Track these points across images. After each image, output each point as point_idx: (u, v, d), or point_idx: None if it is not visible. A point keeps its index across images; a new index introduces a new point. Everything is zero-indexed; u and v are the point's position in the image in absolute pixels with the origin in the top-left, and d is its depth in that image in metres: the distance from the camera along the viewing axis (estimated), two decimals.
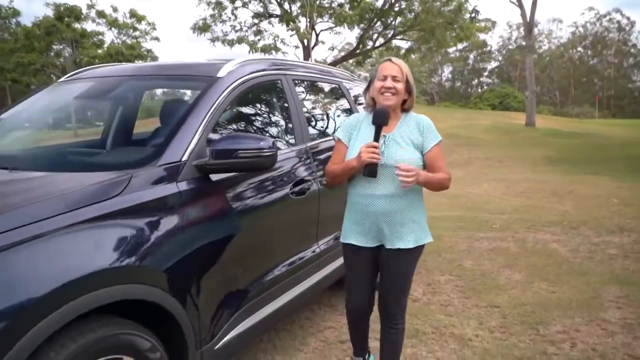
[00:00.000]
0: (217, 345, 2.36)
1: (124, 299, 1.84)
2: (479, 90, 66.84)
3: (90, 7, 26.44)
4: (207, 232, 2.26)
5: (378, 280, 2.62)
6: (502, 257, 5.10)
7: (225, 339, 2.40)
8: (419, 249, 2.46)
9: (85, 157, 2.79)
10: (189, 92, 2.93)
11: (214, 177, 2.35)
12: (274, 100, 3.19)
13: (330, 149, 3.36)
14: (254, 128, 3.04)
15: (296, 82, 3.35)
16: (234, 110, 2.84)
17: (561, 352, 3.15)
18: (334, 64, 23.97)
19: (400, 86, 2.39)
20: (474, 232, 6.14)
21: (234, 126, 2.84)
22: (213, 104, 2.49)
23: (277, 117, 3.20)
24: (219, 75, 2.67)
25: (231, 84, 2.64)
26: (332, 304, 3.91)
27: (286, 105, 3.15)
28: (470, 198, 8.48)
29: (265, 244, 2.73)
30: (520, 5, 26.46)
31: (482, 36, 33.45)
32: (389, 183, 2.35)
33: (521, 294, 4.10)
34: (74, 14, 24.35)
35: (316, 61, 22.02)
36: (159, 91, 3.76)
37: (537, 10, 25.75)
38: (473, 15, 21.68)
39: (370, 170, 2.30)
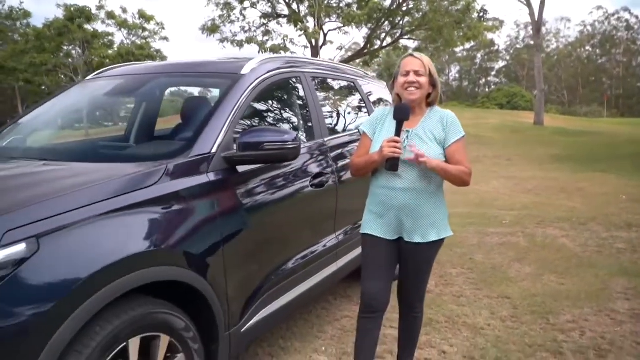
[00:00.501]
0: (244, 329, 2.49)
1: (162, 280, 1.98)
2: (487, 89, 66.73)
3: (99, 8, 26.70)
4: (234, 220, 2.39)
5: (397, 272, 2.67)
6: (512, 252, 5.20)
7: (251, 322, 2.53)
8: (438, 243, 2.47)
9: (123, 150, 2.94)
10: (213, 89, 3.05)
11: (240, 168, 2.48)
12: (294, 96, 3.32)
13: (346, 143, 3.51)
14: (276, 122, 3.16)
15: (314, 79, 3.48)
16: (257, 105, 2.96)
17: (571, 339, 3.26)
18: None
19: (423, 80, 2.39)
20: (484, 227, 6.24)
21: (258, 120, 2.96)
22: (238, 100, 2.62)
23: (296, 112, 3.32)
24: (242, 72, 2.80)
25: (254, 80, 2.77)
26: (348, 295, 4.03)
27: (305, 101, 3.28)
28: (479, 195, 8.57)
29: (287, 233, 2.86)
30: (529, 5, 26.46)
31: (489, 35, 33.38)
32: (411, 177, 2.37)
33: (531, 286, 4.20)
34: (85, 15, 24.61)
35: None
36: (182, 88, 3.89)
37: (545, 10, 25.73)
38: (481, 14, 21.68)
39: (391, 164, 2.33)
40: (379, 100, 4.47)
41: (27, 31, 27.70)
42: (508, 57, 70.07)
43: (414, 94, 2.39)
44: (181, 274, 2.06)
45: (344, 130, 3.68)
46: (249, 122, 2.79)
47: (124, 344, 1.84)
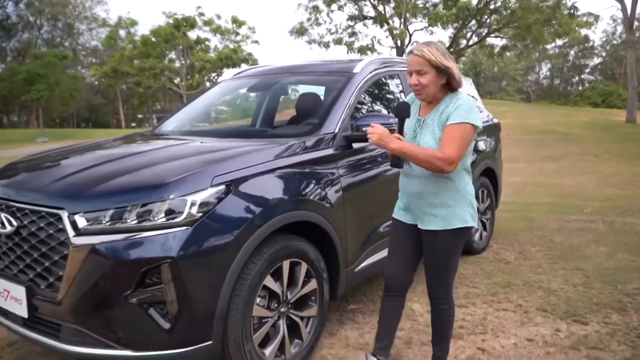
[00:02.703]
0: (356, 269, 3.23)
1: (303, 219, 2.75)
2: (580, 88, 63.62)
3: (200, 15, 28.83)
4: (351, 182, 3.13)
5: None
6: (590, 235, 5.59)
7: (361, 266, 3.27)
8: (454, 233, 2.39)
9: (267, 131, 3.78)
10: (331, 84, 3.78)
11: (355, 145, 3.22)
12: (393, 89, 4.02)
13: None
14: (380, 109, 3.87)
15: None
16: (366, 96, 3.68)
17: (635, 301, 3.70)
18: None
19: (425, 80, 2.29)
20: (565, 215, 6.60)
21: (367, 108, 3.68)
22: (352, 92, 3.37)
23: (395, 102, 4.01)
24: (354, 71, 3.55)
25: (365, 76, 3.52)
26: None
27: (403, 93, 3.97)
28: (562, 188, 8.82)
29: (387, 198, 3.56)
30: (620, 0, 25.36)
31: (583, 31, 32.10)
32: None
33: (604, 262, 4.63)
34: (189, 23, 26.83)
35: None
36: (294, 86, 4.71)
37: (638, 4, 24.49)
38: (572, 11, 21.20)
39: (392, 162, 2.41)
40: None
41: (134, 38, 30.42)
42: (604, 54, 66.37)
43: (420, 94, 2.37)
44: (315, 217, 2.82)
45: None
46: (360, 109, 3.53)
47: (280, 263, 2.62)
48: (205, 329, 2.28)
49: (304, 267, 2.78)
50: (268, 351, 2.58)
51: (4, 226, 2.39)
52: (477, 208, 4.72)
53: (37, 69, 28.13)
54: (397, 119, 2.42)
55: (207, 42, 30.72)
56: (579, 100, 47.05)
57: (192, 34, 28.86)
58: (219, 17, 31.55)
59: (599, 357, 2.90)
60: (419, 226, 2.46)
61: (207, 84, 32.24)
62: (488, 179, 5.01)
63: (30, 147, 24.68)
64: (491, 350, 3.01)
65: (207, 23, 30.49)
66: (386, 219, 3.50)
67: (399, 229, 2.59)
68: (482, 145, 4.85)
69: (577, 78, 70.93)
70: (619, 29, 61.72)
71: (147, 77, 27.59)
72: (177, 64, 30.76)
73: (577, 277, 4.24)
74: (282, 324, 2.66)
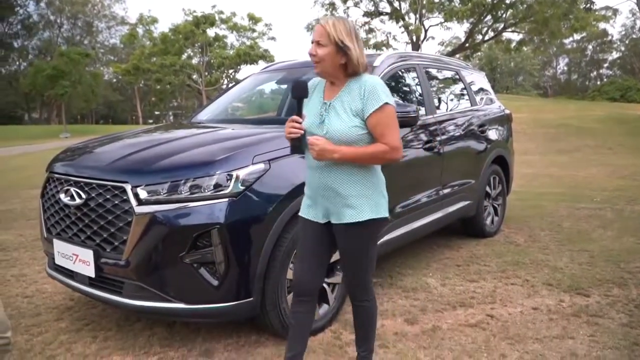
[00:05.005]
0: (380, 241, 3.55)
1: None
2: (598, 83, 62.98)
3: (219, 12, 29.30)
4: None
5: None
6: (598, 221, 5.85)
7: (385, 238, 3.59)
8: (366, 225, 2.20)
9: None
10: None
11: None
12: (411, 81, 4.33)
13: (448, 119, 4.47)
14: (400, 99, 4.19)
15: (425, 68, 4.47)
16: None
17: (636, 278, 3.99)
18: None
19: (323, 52, 2.11)
20: (575, 203, 6.87)
21: None
22: None
23: (414, 94, 4.33)
24: (374, 64, 3.87)
25: (384, 69, 3.84)
26: (449, 245, 4.98)
27: (419, 85, 4.29)
28: (574, 179, 9.06)
29: (407, 180, 3.89)
30: None
31: (601, 25, 31.93)
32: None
33: (610, 244, 4.90)
34: (209, 20, 27.34)
35: None
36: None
37: None
38: (588, 5, 21.19)
39: (293, 146, 2.17)
40: (479, 87, 5.38)
41: (154, 35, 31.02)
42: (623, 48, 65.60)
43: (316, 67, 2.17)
44: None
45: (448, 110, 4.65)
46: None
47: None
48: (248, 287, 2.64)
49: None
50: None
51: (73, 198, 2.77)
52: (489, 194, 5.10)
53: (61, 66, 28.89)
54: (295, 99, 2.20)
55: (224, 39, 31.26)
56: (596, 95, 46.59)
57: (211, 32, 29.44)
58: (234, 14, 32.10)
59: (597, 323, 3.20)
60: (332, 221, 2.24)
61: (225, 80, 32.81)
62: (499, 166, 5.31)
63: (54, 142, 25.42)
64: (499, 317, 3.32)
65: (225, 21, 30.99)
66: (402, 200, 3.85)
67: (306, 228, 2.34)
68: (494, 134, 5.15)
69: (595, 73, 70.24)
70: (639, 22, 61.05)
71: (168, 74, 28.21)
72: (194, 61, 31.35)
73: (582, 257, 4.53)
74: None
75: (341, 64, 2.13)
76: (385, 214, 2.25)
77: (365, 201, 2.18)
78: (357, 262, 2.30)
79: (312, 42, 2.15)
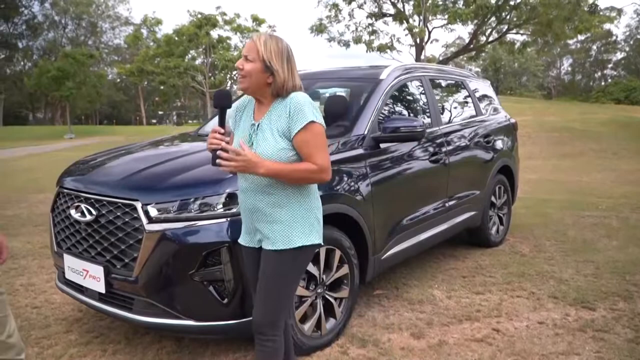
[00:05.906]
0: (383, 256, 3.58)
1: (338, 211, 3.10)
2: (602, 83, 62.82)
3: (222, 14, 29.34)
4: (379, 178, 3.48)
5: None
6: (603, 230, 5.86)
7: (388, 253, 3.62)
8: (292, 253, 2.06)
9: None
10: (359, 89, 4.11)
11: (382, 145, 3.56)
12: (417, 93, 4.35)
13: (455, 131, 4.48)
14: (406, 112, 4.21)
15: (431, 80, 4.49)
16: (392, 100, 4.02)
17: None
18: (446, 60, 24.48)
19: (250, 67, 2.01)
20: (580, 211, 6.87)
21: (393, 111, 4.02)
22: (380, 96, 3.72)
23: (420, 106, 4.35)
24: (381, 77, 3.89)
25: (390, 82, 3.86)
26: (455, 255, 4.99)
27: (425, 97, 4.31)
28: (579, 185, 9.06)
29: (414, 193, 3.92)
30: None
31: (606, 26, 31.80)
32: (252, 176, 2.04)
33: (615, 254, 4.91)
34: (211, 22, 27.38)
35: (428, 60, 22.79)
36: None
37: None
38: (592, 9, 21.11)
39: (213, 157, 1.99)
40: (484, 96, 5.39)
41: (157, 37, 31.10)
42: (627, 48, 65.41)
43: (241, 82, 2.06)
44: (347, 210, 3.18)
45: (453, 121, 4.66)
46: (387, 112, 3.87)
47: (317, 250, 2.98)
48: None
49: (337, 253, 3.13)
50: (307, 326, 2.96)
51: (83, 215, 2.80)
52: (494, 203, 5.11)
53: (66, 67, 29.01)
54: (217, 109, 2.09)
55: (228, 41, 31.29)
56: (601, 96, 46.50)
57: (214, 33, 29.47)
58: (238, 15, 32.10)
59: (603, 338, 3.21)
60: (264, 247, 2.11)
61: (229, 82, 32.82)
62: (505, 176, 5.32)
63: (59, 143, 25.50)
64: (505, 331, 3.33)
65: (228, 22, 31.03)
66: (409, 212, 3.86)
67: (246, 256, 2.25)
68: (499, 144, 5.17)
69: (599, 73, 70.05)
70: None
71: (172, 76, 28.28)
72: (198, 62, 31.42)
73: (588, 269, 4.54)
74: (319, 303, 3.04)
75: (268, 82, 2.04)
76: (318, 240, 2.12)
77: (301, 226, 2.06)
78: (271, 292, 2.11)
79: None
